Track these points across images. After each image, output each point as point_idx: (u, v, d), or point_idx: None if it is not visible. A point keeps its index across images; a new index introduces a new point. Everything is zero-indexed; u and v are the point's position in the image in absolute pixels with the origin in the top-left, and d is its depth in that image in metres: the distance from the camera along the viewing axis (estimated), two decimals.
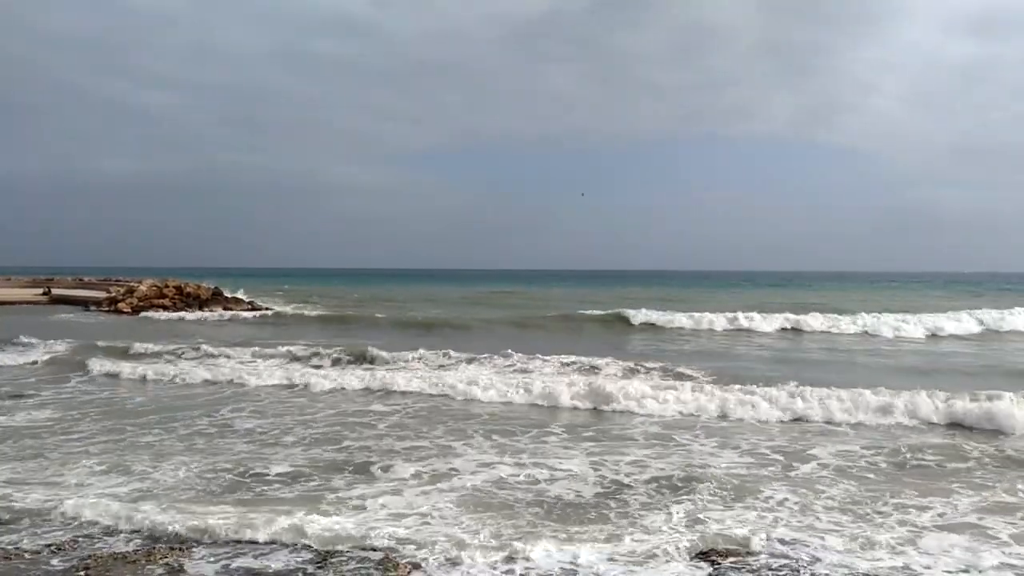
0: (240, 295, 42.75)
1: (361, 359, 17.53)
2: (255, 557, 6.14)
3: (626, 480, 8.35)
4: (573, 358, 17.05)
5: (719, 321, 28.43)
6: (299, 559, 6.12)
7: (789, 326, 28.01)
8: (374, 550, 6.28)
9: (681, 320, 28.95)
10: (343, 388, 14.68)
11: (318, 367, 17.00)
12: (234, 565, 5.98)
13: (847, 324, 27.85)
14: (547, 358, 17.10)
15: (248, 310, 37.47)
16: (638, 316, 29.79)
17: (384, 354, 17.77)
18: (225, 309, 36.91)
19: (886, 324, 27.23)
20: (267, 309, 37.88)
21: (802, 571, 5.87)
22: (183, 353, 18.71)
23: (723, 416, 11.93)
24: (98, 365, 17.10)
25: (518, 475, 8.49)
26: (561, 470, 8.74)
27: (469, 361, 17.18)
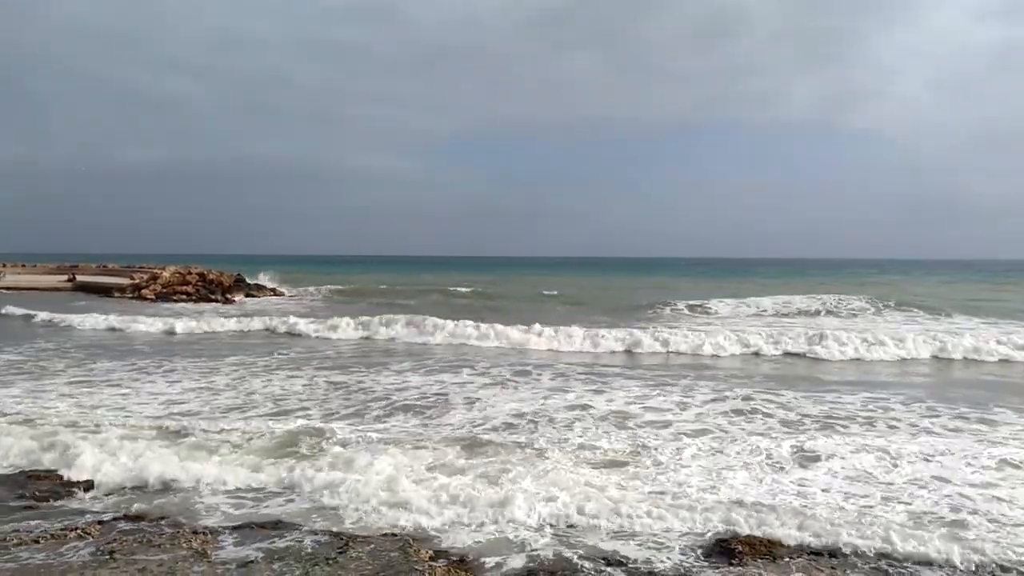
0: (266, 282, 43.18)
1: None
2: (279, 542, 6.19)
3: None
4: None
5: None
6: (323, 542, 6.17)
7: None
8: (395, 535, 6.32)
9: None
10: None
11: None
12: (258, 549, 6.03)
13: None
14: None
15: (269, 296, 37.64)
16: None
17: None
18: (248, 296, 37.16)
19: None
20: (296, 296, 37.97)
21: None
22: None
23: None
24: None
25: None
26: None
27: None
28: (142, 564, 5.65)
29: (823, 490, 7.59)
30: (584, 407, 11.83)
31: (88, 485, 7.72)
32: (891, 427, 10.67)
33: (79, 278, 46.22)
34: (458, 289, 45.44)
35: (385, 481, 7.47)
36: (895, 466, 8.35)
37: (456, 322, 22.45)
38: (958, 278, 67.16)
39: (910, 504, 7.17)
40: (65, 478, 7.85)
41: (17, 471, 8.15)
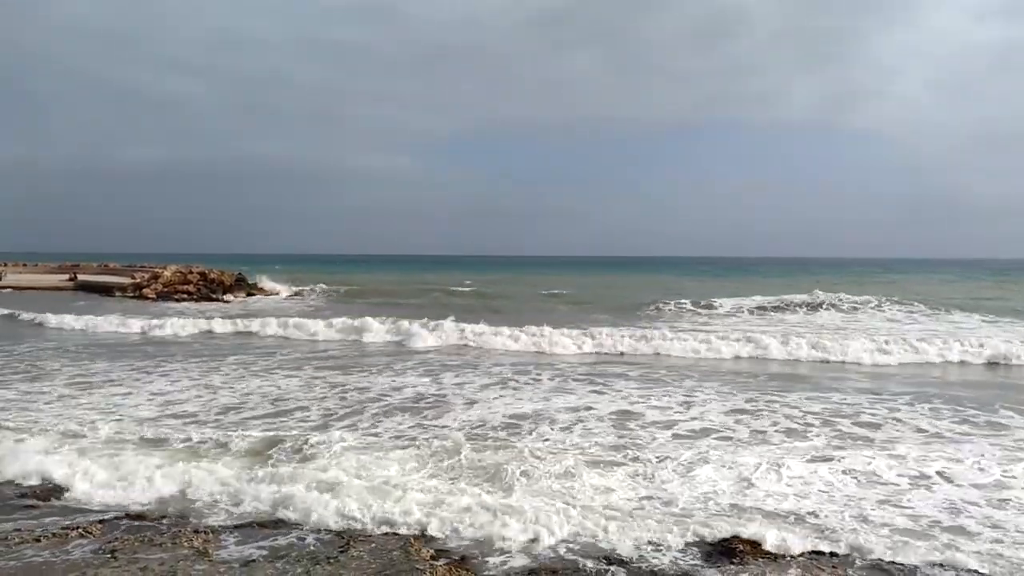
0: (267, 281, 43.19)
1: None
2: (280, 540, 6.19)
3: None
4: None
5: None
6: (324, 541, 6.16)
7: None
8: (396, 535, 6.31)
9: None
10: None
11: None
12: (259, 547, 6.03)
13: None
14: None
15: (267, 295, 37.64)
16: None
17: None
18: (248, 295, 37.19)
19: None
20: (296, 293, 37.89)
21: None
22: None
23: None
24: None
25: None
26: None
27: None
28: (143, 563, 5.65)
29: (825, 490, 7.58)
30: (586, 408, 11.82)
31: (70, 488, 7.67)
32: (895, 428, 10.64)
33: (80, 277, 46.25)
34: (458, 289, 45.48)
35: (381, 482, 7.46)
36: (899, 467, 8.34)
37: (456, 322, 22.44)
38: (960, 277, 67.02)
39: (912, 506, 7.15)
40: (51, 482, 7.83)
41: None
